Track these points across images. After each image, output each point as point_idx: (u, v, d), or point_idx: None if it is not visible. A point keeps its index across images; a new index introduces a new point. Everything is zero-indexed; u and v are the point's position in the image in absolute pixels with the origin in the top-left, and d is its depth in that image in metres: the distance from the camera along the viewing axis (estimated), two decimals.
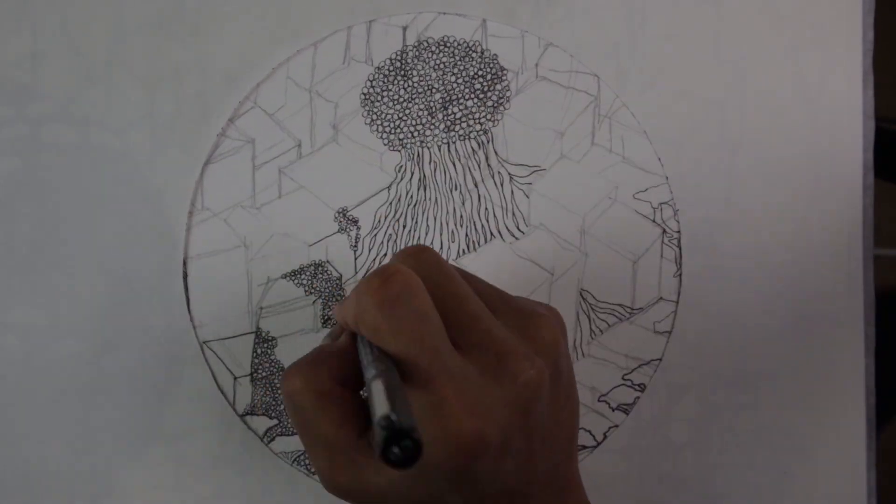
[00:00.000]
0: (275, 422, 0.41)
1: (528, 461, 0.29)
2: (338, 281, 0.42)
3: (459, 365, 0.28)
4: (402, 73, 0.42)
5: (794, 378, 0.44)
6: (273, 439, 0.41)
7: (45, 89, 0.40)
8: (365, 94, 0.42)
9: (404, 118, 0.42)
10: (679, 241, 0.43)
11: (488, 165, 0.42)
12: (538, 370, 0.29)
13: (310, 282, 0.41)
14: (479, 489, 0.29)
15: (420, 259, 0.29)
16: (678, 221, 0.43)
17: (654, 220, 0.43)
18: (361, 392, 0.30)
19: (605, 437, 0.43)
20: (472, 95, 0.42)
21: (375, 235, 0.42)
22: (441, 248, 0.42)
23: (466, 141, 0.42)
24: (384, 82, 0.42)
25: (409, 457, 0.22)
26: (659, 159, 0.43)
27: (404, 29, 0.42)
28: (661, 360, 0.43)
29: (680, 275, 0.43)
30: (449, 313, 0.28)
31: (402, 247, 0.42)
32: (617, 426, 0.43)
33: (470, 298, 0.30)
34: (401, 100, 0.42)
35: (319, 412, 0.29)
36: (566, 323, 0.42)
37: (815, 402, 0.44)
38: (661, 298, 0.43)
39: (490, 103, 0.42)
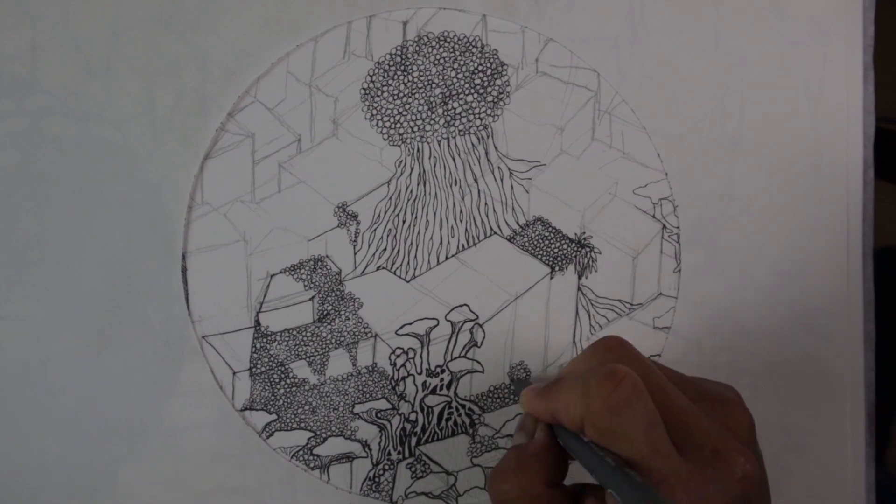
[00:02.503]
0: (273, 417, 0.41)
1: None
2: (337, 276, 0.41)
3: (684, 465, 0.28)
4: (403, 68, 0.41)
5: (792, 374, 0.43)
6: (272, 434, 0.41)
7: (44, 83, 0.40)
8: (365, 89, 0.41)
9: (404, 113, 0.42)
10: (679, 237, 0.43)
11: (488, 160, 0.42)
12: (752, 464, 0.28)
13: (309, 276, 0.41)
14: None
15: (625, 356, 0.29)
16: (678, 217, 0.43)
17: (653, 216, 0.43)
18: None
19: None
20: (473, 91, 0.42)
21: (375, 230, 0.42)
22: (441, 242, 0.42)
23: (466, 136, 0.42)
24: (384, 77, 0.41)
25: None
26: (658, 155, 0.43)
27: (404, 24, 0.41)
28: (660, 355, 0.43)
29: (679, 270, 0.43)
30: (661, 409, 0.28)
31: (403, 244, 0.42)
32: None
33: (673, 393, 0.29)
34: (401, 95, 0.41)
35: None
36: (566, 319, 0.42)
37: (813, 398, 0.44)
38: (660, 294, 0.43)
39: (490, 98, 0.42)
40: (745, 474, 0.28)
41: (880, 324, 0.44)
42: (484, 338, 0.42)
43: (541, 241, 0.42)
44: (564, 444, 0.31)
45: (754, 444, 0.30)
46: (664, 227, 0.43)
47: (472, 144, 0.42)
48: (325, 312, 0.41)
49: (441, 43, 0.42)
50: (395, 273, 0.42)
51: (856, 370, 0.44)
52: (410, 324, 0.42)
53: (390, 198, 0.42)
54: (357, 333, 0.41)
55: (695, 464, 0.28)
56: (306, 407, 0.41)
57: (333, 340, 0.41)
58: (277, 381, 0.41)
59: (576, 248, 0.43)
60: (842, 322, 0.44)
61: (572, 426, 0.29)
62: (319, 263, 0.41)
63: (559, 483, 0.31)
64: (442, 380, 0.42)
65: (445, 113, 0.42)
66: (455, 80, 0.42)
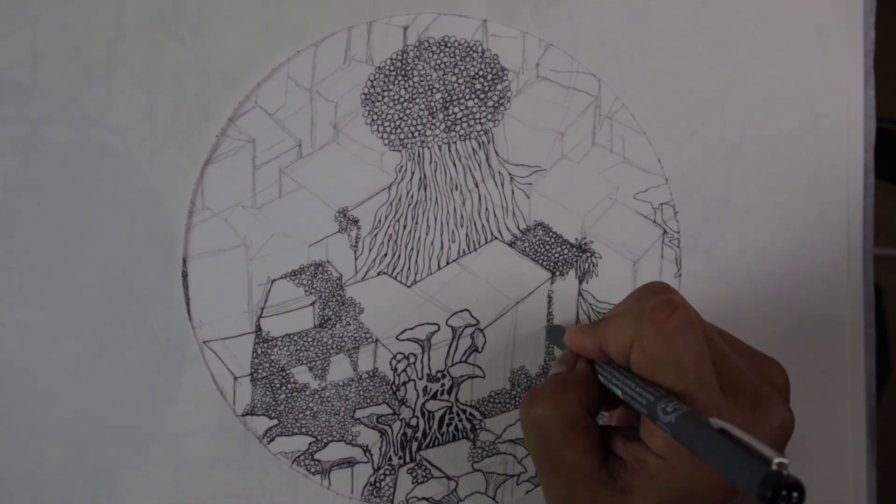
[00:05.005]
0: (274, 422, 0.41)
1: None
2: (338, 281, 0.41)
3: (726, 403, 0.27)
4: (403, 73, 0.41)
5: (793, 379, 0.43)
6: (273, 439, 0.41)
7: (44, 88, 0.40)
8: (365, 94, 0.41)
9: (405, 118, 0.41)
10: (679, 242, 0.43)
11: (489, 165, 0.42)
12: (790, 414, 0.29)
13: (310, 282, 0.41)
14: None
15: (674, 295, 0.29)
16: (678, 222, 0.43)
17: (654, 221, 0.43)
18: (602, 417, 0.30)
19: None
20: (473, 95, 0.42)
21: (376, 235, 0.42)
22: (442, 248, 0.42)
23: (467, 141, 0.42)
24: (385, 82, 0.41)
25: (801, 495, 0.21)
26: (659, 160, 0.43)
27: (405, 29, 0.41)
28: None
29: (680, 275, 0.43)
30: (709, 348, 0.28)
31: (404, 249, 0.42)
32: None
33: (718, 339, 0.29)
34: (401, 100, 0.41)
35: (567, 439, 0.29)
36: (568, 324, 0.42)
37: (814, 403, 0.44)
38: None
39: (491, 103, 0.42)
40: (783, 422, 0.28)
41: (880, 328, 0.44)
42: (485, 343, 0.42)
43: (541, 245, 0.42)
44: (606, 379, 0.30)
45: (788, 400, 0.30)
46: (665, 232, 0.43)
47: (473, 149, 0.42)
48: (326, 317, 0.41)
49: (441, 48, 0.42)
50: (395, 278, 0.42)
51: (856, 375, 0.44)
52: (411, 329, 0.42)
53: (391, 203, 0.42)
54: (358, 338, 0.41)
55: (736, 406, 0.28)
56: (307, 412, 0.41)
57: (334, 345, 0.41)
58: (278, 386, 0.41)
59: (576, 253, 0.42)
60: (842, 327, 0.43)
61: (619, 355, 0.29)
62: (320, 269, 0.41)
63: (595, 414, 0.30)
64: (443, 385, 0.42)
65: (446, 118, 0.42)
66: (456, 84, 0.42)
